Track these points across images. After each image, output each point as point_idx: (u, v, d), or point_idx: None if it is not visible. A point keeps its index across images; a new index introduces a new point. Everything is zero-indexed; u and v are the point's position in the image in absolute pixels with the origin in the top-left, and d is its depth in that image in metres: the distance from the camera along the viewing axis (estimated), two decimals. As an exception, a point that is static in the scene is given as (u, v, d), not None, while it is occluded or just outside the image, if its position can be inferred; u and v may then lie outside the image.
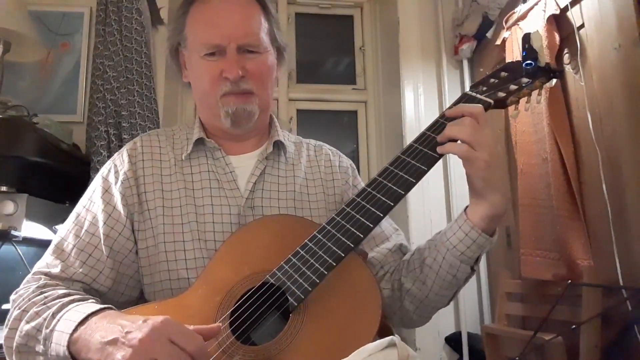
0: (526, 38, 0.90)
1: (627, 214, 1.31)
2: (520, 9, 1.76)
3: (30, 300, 0.76)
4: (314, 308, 0.71)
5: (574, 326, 1.31)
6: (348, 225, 0.75)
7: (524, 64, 0.88)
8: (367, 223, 0.74)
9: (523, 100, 0.89)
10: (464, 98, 0.86)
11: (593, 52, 1.46)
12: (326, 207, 0.96)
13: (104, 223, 0.86)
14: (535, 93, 0.89)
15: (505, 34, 1.84)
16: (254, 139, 1.00)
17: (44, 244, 0.88)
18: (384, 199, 0.75)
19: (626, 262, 1.31)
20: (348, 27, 2.71)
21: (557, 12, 1.57)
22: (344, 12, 2.72)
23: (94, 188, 0.92)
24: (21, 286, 0.81)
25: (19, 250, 1.37)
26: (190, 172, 0.93)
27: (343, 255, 0.72)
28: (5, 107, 1.53)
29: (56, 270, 0.82)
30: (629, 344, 1.25)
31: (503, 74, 0.90)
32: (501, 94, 0.86)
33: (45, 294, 0.77)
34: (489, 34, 2.08)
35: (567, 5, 1.52)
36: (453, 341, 2.01)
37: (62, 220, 0.90)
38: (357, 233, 0.73)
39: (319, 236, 0.75)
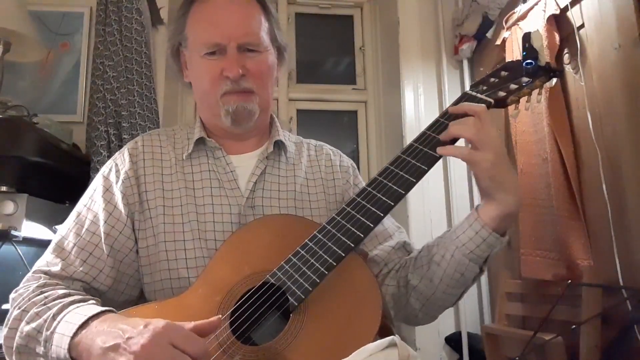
0: (526, 37, 0.90)
1: (627, 214, 1.31)
2: (520, 9, 1.76)
3: (30, 300, 0.76)
4: (315, 308, 0.71)
5: (574, 326, 1.31)
6: (348, 225, 0.75)
7: (524, 63, 0.88)
8: (368, 223, 0.74)
9: (523, 100, 0.89)
10: (464, 97, 0.86)
11: (593, 52, 1.46)
12: (327, 207, 0.96)
13: (105, 222, 0.86)
14: (535, 92, 0.89)
15: (505, 34, 1.84)
16: (255, 138, 1.00)
17: (44, 244, 0.88)
18: (384, 198, 0.75)
19: (626, 262, 1.31)
20: (348, 27, 2.71)
21: (557, 12, 1.57)
22: (344, 12, 2.72)
23: (95, 187, 0.92)
24: (21, 285, 0.81)
25: (19, 250, 1.37)
26: (191, 172, 0.93)
27: (343, 255, 0.72)
28: (5, 107, 1.53)
29: (56, 268, 0.82)
30: (629, 344, 1.25)
31: (503, 73, 0.89)
32: (501, 93, 0.86)
33: (45, 294, 0.76)
34: (489, 34, 2.08)
35: (567, 5, 1.52)
36: (453, 341, 2.01)
37: (62, 220, 0.90)
38: (358, 233, 0.73)
39: (319, 236, 0.75)
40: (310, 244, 0.75)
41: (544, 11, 1.60)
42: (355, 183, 1.04)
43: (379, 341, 0.58)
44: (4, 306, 0.80)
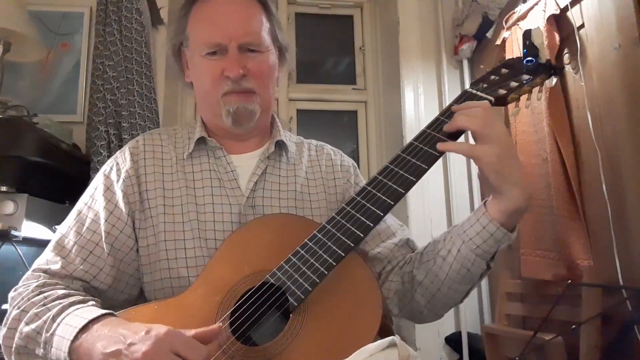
0: (527, 35, 0.89)
1: (627, 214, 1.31)
2: (520, 8, 1.76)
3: (30, 300, 0.76)
4: (315, 308, 0.71)
5: (574, 326, 1.31)
6: (348, 225, 0.74)
7: (524, 61, 0.87)
8: (367, 222, 0.74)
9: (524, 98, 0.89)
10: (465, 95, 0.86)
11: (593, 52, 1.46)
12: (327, 207, 0.96)
13: (105, 221, 0.86)
14: (535, 90, 0.89)
15: (505, 33, 1.84)
16: (256, 138, 1.00)
17: (44, 244, 0.88)
18: (384, 198, 0.75)
19: (626, 262, 1.30)
20: (348, 27, 2.71)
21: (557, 12, 1.57)
22: (344, 12, 2.72)
23: (96, 185, 0.92)
24: (20, 283, 0.81)
25: (19, 250, 1.37)
26: (191, 171, 0.93)
27: (343, 254, 0.72)
28: (5, 107, 1.53)
29: (56, 267, 0.82)
30: (629, 344, 1.25)
31: (504, 70, 0.89)
32: (502, 91, 0.85)
33: (45, 294, 0.76)
34: (489, 34, 2.08)
35: (567, 5, 1.52)
36: (453, 341, 2.01)
37: (62, 221, 0.90)
38: (358, 232, 0.73)
39: (319, 235, 0.75)
40: (310, 244, 0.75)
41: (544, 11, 1.60)
42: (356, 182, 1.03)
43: (379, 341, 0.58)
44: (4, 306, 0.80)
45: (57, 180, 1.63)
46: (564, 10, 1.54)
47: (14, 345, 0.74)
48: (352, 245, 0.72)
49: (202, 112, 1.00)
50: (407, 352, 0.57)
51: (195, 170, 0.93)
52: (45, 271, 0.82)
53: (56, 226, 1.38)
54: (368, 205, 0.75)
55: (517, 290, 1.75)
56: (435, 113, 0.84)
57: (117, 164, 0.93)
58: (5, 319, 0.77)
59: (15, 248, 1.37)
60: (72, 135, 1.80)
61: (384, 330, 0.67)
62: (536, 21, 1.64)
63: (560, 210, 1.48)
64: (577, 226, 1.46)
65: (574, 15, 1.52)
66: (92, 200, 0.90)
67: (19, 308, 0.76)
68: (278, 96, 2.50)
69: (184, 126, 1.02)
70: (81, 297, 0.77)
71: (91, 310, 0.72)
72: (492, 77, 0.88)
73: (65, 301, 0.74)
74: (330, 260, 0.71)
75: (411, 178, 0.76)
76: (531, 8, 1.69)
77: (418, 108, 2.24)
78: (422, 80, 2.28)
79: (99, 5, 1.94)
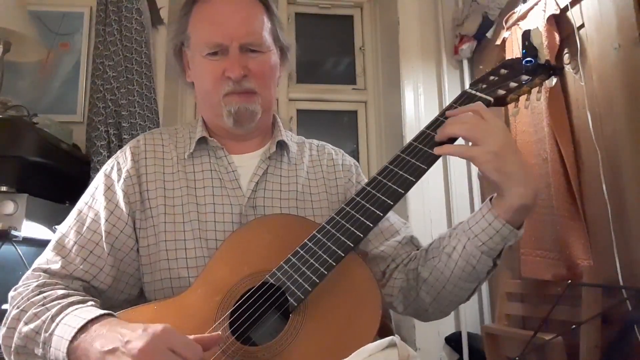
0: (526, 35, 0.90)
1: (627, 214, 1.31)
2: (520, 9, 1.76)
3: (29, 300, 0.76)
4: (314, 308, 0.71)
5: (574, 326, 1.31)
6: (348, 225, 0.75)
7: (524, 61, 0.87)
8: (367, 223, 0.74)
9: (523, 98, 0.89)
10: (464, 96, 0.86)
11: (593, 52, 1.46)
12: (329, 207, 0.96)
13: (106, 220, 0.86)
14: (535, 91, 0.89)
15: (505, 34, 1.85)
16: (257, 138, 1.00)
17: (44, 244, 0.88)
18: (383, 198, 0.75)
19: (626, 262, 1.31)
20: (348, 27, 2.71)
21: (557, 12, 1.57)
22: (344, 12, 2.72)
23: (97, 185, 0.92)
24: (20, 283, 0.81)
25: (19, 250, 1.37)
26: (192, 171, 0.93)
27: (343, 255, 0.72)
28: (5, 107, 1.53)
29: (56, 266, 0.82)
30: (629, 344, 1.25)
31: (503, 71, 0.89)
32: (501, 92, 0.85)
33: (45, 294, 0.76)
34: (489, 34, 2.08)
35: (567, 5, 1.52)
36: (453, 341, 2.01)
37: (62, 221, 0.90)
38: (357, 233, 0.73)
39: (319, 236, 0.75)
40: (310, 244, 0.75)
41: (544, 11, 1.60)
42: (357, 181, 1.03)
43: (379, 341, 0.58)
44: (4, 306, 0.80)
45: (57, 180, 1.63)
46: (564, 10, 1.55)
47: (13, 345, 0.74)
48: (352, 245, 0.72)
49: (203, 112, 1.00)
50: (407, 352, 0.57)
51: (196, 170, 0.93)
52: (45, 271, 0.82)
53: (56, 226, 1.38)
54: (368, 205, 0.76)
55: (517, 290, 1.75)
56: (435, 113, 0.85)
57: (118, 163, 0.93)
58: (5, 318, 0.77)
59: (15, 248, 1.37)
60: (72, 135, 1.80)
61: (384, 330, 0.67)
62: (536, 21, 1.64)
63: (560, 210, 1.48)
64: (577, 226, 1.46)
65: (574, 15, 1.52)
66: (92, 199, 0.90)
67: (18, 308, 0.76)
68: (278, 96, 2.50)
69: (185, 126, 1.02)
70: (80, 297, 0.77)
71: (90, 310, 0.72)
72: (492, 77, 0.89)
73: (65, 301, 0.74)
74: (330, 261, 0.71)
75: (411, 178, 0.76)
76: (531, 8, 1.69)
77: (418, 108, 2.24)
78: (422, 80, 2.28)
79: (99, 5, 1.94)
